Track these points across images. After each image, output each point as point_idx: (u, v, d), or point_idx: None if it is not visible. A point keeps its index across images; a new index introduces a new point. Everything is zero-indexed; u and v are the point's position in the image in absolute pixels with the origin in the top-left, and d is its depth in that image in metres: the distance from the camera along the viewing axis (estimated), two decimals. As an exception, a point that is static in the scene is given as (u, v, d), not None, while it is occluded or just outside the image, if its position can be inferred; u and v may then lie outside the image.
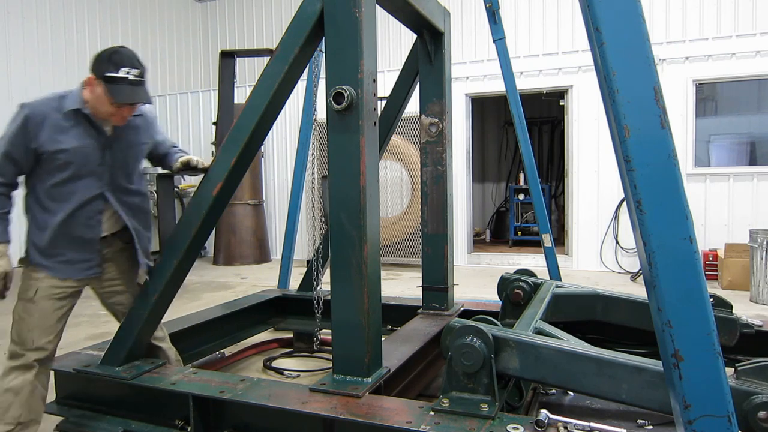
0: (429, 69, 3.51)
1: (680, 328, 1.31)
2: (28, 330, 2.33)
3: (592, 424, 1.86)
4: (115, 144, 2.41)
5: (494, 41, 4.48)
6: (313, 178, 4.61)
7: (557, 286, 3.29)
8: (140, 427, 2.43)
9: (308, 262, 5.14)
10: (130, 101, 2.25)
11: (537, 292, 3.20)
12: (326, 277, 2.84)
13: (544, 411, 1.91)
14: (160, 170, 2.76)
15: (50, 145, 2.24)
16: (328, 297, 2.58)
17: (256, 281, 7.38)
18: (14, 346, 2.35)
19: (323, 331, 4.02)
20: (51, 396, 2.73)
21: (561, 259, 5.95)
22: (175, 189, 8.72)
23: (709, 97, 7.54)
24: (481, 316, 2.39)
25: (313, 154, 4.19)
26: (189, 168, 2.62)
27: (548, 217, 4.94)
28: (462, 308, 3.63)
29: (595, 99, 7.29)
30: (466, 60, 8.65)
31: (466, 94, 8.26)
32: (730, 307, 2.89)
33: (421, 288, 3.64)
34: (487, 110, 11.99)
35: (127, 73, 2.20)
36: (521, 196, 9.93)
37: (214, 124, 8.70)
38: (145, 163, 2.69)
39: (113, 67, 2.19)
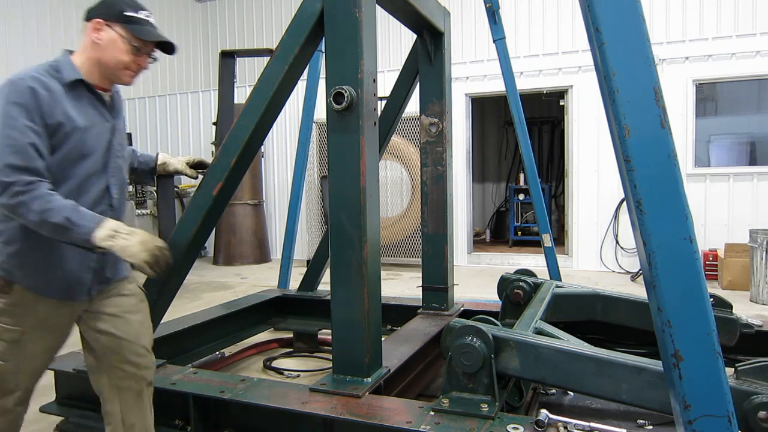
0: (429, 69, 3.51)
1: (680, 328, 1.31)
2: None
3: (592, 424, 1.86)
4: (116, 123, 1.98)
5: (494, 41, 4.47)
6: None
7: (557, 286, 3.29)
8: (140, 427, 2.43)
9: (308, 262, 5.13)
10: (161, 38, 1.92)
11: (537, 292, 3.20)
12: (326, 277, 2.84)
13: (544, 411, 1.91)
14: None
15: (67, 123, 1.78)
16: (328, 297, 2.58)
17: (256, 281, 7.38)
18: None
19: (323, 330, 4.03)
20: (51, 396, 2.74)
21: (561, 259, 5.95)
22: (175, 189, 8.73)
23: (709, 97, 7.53)
24: (481, 316, 2.39)
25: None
26: (203, 167, 2.53)
27: (548, 217, 4.94)
28: (462, 308, 3.63)
29: (595, 99, 7.29)
30: (466, 60, 8.65)
31: (466, 94, 8.26)
32: (730, 307, 2.89)
33: (421, 288, 3.64)
34: (487, 110, 11.99)
35: (147, 16, 1.91)
36: (521, 196, 9.93)
37: (214, 124, 8.70)
38: None
39: (131, 8, 1.87)
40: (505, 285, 3.36)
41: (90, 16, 1.87)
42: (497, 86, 7.38)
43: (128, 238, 1.79)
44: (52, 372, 2.68)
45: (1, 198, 1.67)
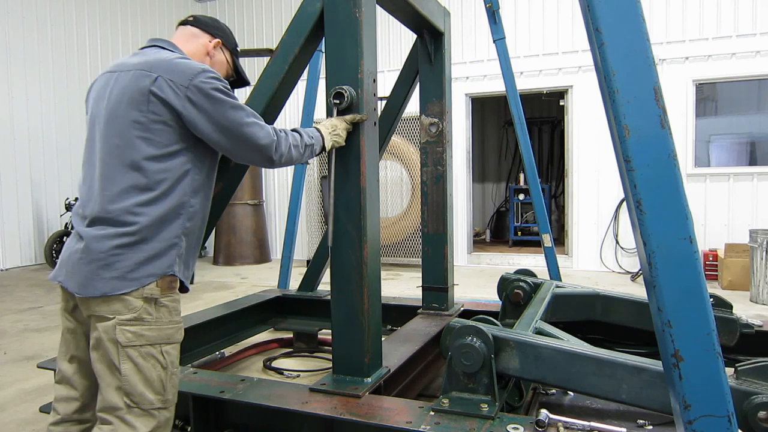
0: (429, 69, 3.51)
1: (680, 328, 1.31)
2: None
3: (592, 424, 1.86)
4: None
5: (494, 41, 4.47)
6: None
7: (557, 286, 3.29)
8: (140, 427, 2.43)
9: (308, 262, 5.13)
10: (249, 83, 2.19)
11: (537, 292, 3.20)
12: (326, 277, 2.83)
13: (544, 411, 1.91)
14: None
15: None
16: (328, 297, 2.58)
17: (256, 281, 7.38)
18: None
19: (323, 330, 4.03)
20: (51, 396, 2.74)
21: (561, 259, 5.95)
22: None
23: (709, 97, 7.54)
24: (481, 316, 2.39)
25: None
26: None
27: (548, 217, 4.94)
28: (462, 308, 3.63)
29: (595, 99, 7.29)
30: (466, 60, 8.65)
31: (466, 94, 8.26)
32: (730, 307, 2.89)
33: (421, 288, 3.64)
34: (487, 110, 11.99)
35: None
36: (521, 196, 9.93)
37: (214, 124, 8.70)
38: None
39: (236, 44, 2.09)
40: (505, 285, 3.36)
41: (206, 29, 2.00)
42: (497, 86, 7.39)
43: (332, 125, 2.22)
44: (53, 372, 2.68)
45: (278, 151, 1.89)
